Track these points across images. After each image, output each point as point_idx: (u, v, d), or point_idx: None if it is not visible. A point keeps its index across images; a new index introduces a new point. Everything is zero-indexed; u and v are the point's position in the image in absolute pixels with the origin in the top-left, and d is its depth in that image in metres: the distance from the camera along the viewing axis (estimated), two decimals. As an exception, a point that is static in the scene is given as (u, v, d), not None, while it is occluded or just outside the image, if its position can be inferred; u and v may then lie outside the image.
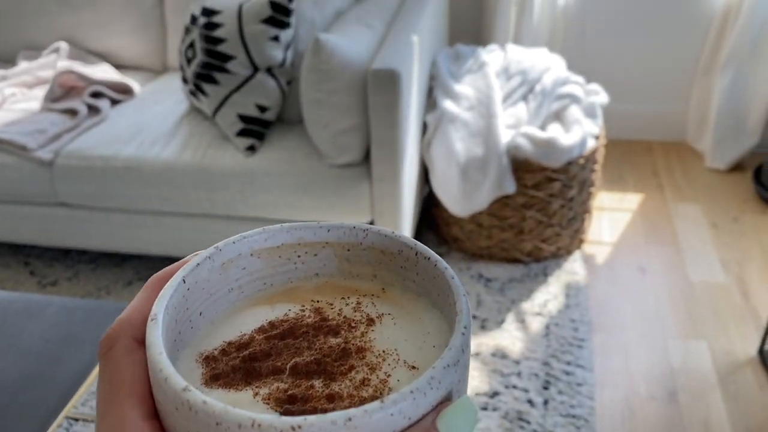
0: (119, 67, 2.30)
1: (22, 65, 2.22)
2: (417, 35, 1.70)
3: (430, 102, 1.95)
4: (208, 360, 0.25)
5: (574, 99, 1.87)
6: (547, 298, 1.86)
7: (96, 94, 2.02)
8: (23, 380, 1.18)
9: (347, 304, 0.28)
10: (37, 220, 1.91)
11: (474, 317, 1.80)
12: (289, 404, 0.23)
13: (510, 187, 1.78)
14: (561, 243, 1.98)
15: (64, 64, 2.15)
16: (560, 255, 2.01)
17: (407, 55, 1.60)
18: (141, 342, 0.25)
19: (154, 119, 1.90)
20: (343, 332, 0.26)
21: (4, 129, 1.86)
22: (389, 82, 1.51)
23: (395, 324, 0.27)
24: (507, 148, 1.77)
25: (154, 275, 0.27)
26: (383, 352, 0.26)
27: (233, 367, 0.25)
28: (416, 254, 0.28)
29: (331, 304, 0.28)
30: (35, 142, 1.82)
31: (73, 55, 2.24)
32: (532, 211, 1.88)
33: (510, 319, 1.79)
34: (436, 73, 1.98)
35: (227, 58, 1.67)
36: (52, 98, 1.97)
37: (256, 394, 0.24)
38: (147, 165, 1.74)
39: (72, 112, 1.94)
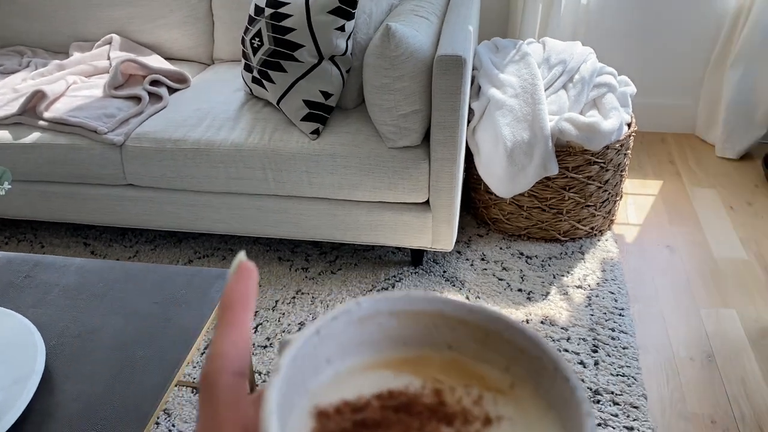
0: (168, 59, 2.40)
1: (76, 56, 2.31)
2: (471, 26, 1.84)
3: (473, 90, 2.09)
4: (321, 416, 0.25)
5: (610, 88, 2.02)
6: (585, 273, 2.00)
7: (154, 83, 2.12)
8: (141, 337, 1.28)
9: (468, 394, 0.27)
10: (103, 200, 2.00)
11: (519, 290, 1.93)
12: None
13: (554, 169, 1.92)
14: (595, 223, 2.13)
15: (118, 54, 2.24)
16: (593, 235, 2.15)
17: (466, 43, 1.73)
18: (241, 374, 0.25)
19: (216, 106, 2.00)
20: (457, 423, 0.25)
21: (73, 113, 1.95)
22: (455, 67, 1.64)
23: None
24: (551, 133, 1.91)
25: (223, 300, 0.27)
26: None
27: (343, 429, 0.25)
28: (555, 369, 0.26)
29: (453, 390, 0.27)
30: (105, 125, 1.91)
31: (124, 46, 2.33)
32: (571, 193, 2.02)
33: (553, 291, 1.93)
34: (477, 64, 2.12)
35: (296, 46, 1.79)
36: (114, 85, 2.07)
37: None
38: (216, 147, 1.85)
39: (135, 98, 2.04)
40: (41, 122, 1.96)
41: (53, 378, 1.19)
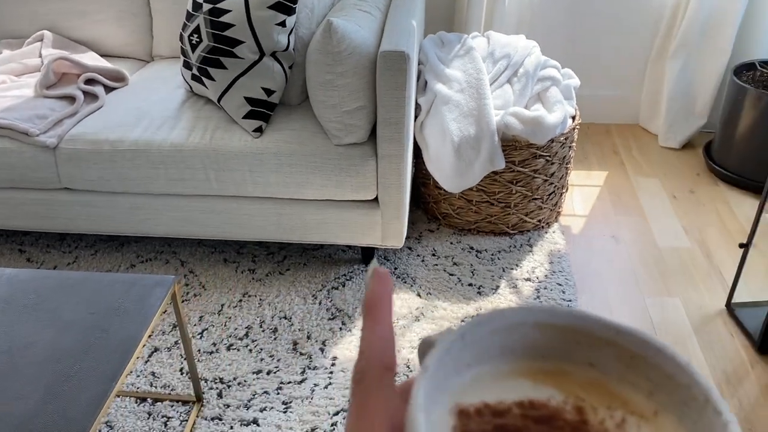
0: (104, 56, 2.31)
1: (5, 53, 2.20)
2: (415, 20, 1.82)
3: (419, 85, 2.07)
4: (462, 415, 0.25)
5: (554, 81, 2.03)
6: (533, 265, 2.01)
7: (89, 81, 2.04)
8: (77, 350, 1.23)
9: (611, 417, 0.26)
10: (37, 205, 1.92)
11: (470, 285, 1.93)
12: None
13: (501, 163, 1.92)
14: (542, 216, 2.14)
15: (50, 51, 2.15)
16: (541, 227, 2.17)
17: (410, 38, 1.71)
18: (389, 368, 0.26)
19: (155, 105, 1.94)
20: None
21: (2, 115, 1.86)
22: (399, 62, 1.62)
23: None
24: (497, 127, 1.91)
25: (367, 301, 0.29)
26: None
27: (483, 430, 0.25)
28: (706, 401, 0.25)
29: (595, 410, 0.26)
30: (36, 127, 1.83)
31: (57, 43, 2.24)
32: (518, 186, 2.03)
33: (503, 284, 1.93)
34: (423, 58, 2.10)
35: (236, 42, 1.74)
36: (46, 84, 1.98)
37: None
38: (155, 147, 1.79)
39: (69, 98, 1.95)
40: (-33, 124, 1.86)
41: (-19, 397, 1.13)
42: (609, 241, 2.15)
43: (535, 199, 2.08)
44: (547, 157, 2.01)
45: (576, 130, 2.08)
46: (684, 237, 2.15)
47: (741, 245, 1.76)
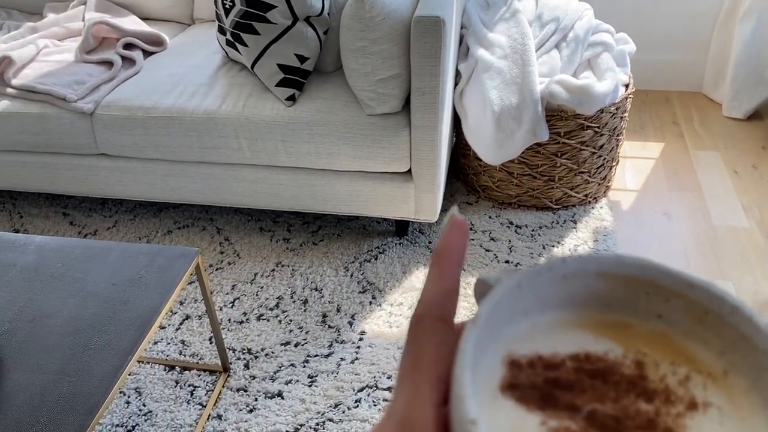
0: (145, 19, 2.30)
1: (50, 17, 2.21)
2: (455, -17, 1.72)
3: (461, 51, 1.98)
4: (513, 365, 0.25)
5: (606, 47, 1.90)
6: (577, 243, 1.92)
7: (128, 46, 2.03)
8: (97, 321, 1.23)
9: (675, 373, 0.24)
10: (77, 170, 1.94)
11: (507, 262, 1.86)
12: None
13: (544, 135, 1.82)
14: (589, 190, 2.03)
15: (93, 15, 2.15)
16: (587, 202, 2.06)
17: (448, 2, 1.62)
18: (445, 320, 0.26)
19: (190, 70, 1.91)
20: (657, 402, 0.23)
21: (42, 80, 1.87)
22: (433, 28, 1.53)
23: (720, 424, 0.23)
24: (542, 96, 1.81)
25: (437, 249, 0.28)
26: None
27: (533, 383, 0.24)
28: None
29: (657, 365, 0.25)
30: (75, 93, 1.84)
31: (100, 7, 2.23)
32: (563, 159, 1.92)
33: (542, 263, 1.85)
34: (466, 22, 2.00)
35: (268, 7, 1.69)
36: (86, 49, 1.98)
37: (544, 423, 0.23)
38: (187, 114, 1.77)
39: (107, 63, 1.95)
40: (9, 90, 1.89)
41: (2, 366, 1.15)
42: (661, 218, 2.03)
43: (582, 172, 1.98)
44: (596, 128, 1.89)
45: (629, 100, 1.95)
46: (742, 216, 2.01)
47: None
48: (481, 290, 0.28)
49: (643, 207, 2.07)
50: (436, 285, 0.27)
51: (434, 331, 0.25)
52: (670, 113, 2.56)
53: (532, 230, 1.97)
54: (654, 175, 2.22)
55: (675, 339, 0.26)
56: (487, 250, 1.90)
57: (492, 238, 1.95)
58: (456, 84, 1.94)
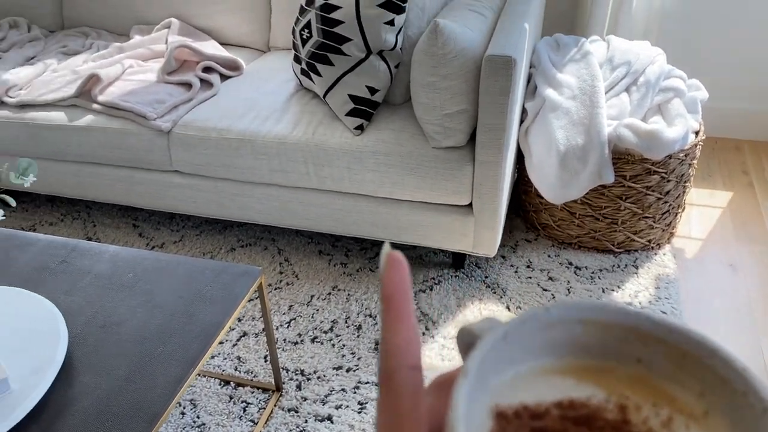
0: (224, 44, 2.40)
1: (136, 39, 2.34)
2: (528, 23, 1.74)
3: (529, 89, 1.99)
4: (500, 417, 0.25)
5: (677, 93, 1.88)
6: (637, 289, 1.89)
7: (207, 69, 2.12)
8: (162, 332, 1.28)
9: (657, 415, 0.25)
10: (151, 185, 2.03)
11: (564, 302, 1.84)
12: None
13: (610, 177, 1.81)
14: (652, 236, 2.00)
15: (175, 38, 2.26)
16: (650, 248, 2.03)
17: (520, 42, 1.64)
18: (416, 366, 0.26)
19: (264, 96, 1.99)
20: None
21: (125, 98, 1.98)
22: (504, 68, 1.56)
23: None
24: (609, 139, 1.80)
25: (384, 294, 0.27)
26: None
27: None
28: (764, 411, 0.23)
29: (639, 408, 0.25)
30: (154, 111, 1.93)
31: (183, 31, 2.35)
32: (627, 203, 1.90)
33: (601, 306, 1.82)
34: (536, 62, 2.02)
35: (344, 40, 1.74)
36: (168, 71, 2.08)
37: None
38: (260, 138, 1.83)
39: (187, 85, 2.05)
40: (95, 105, 2.00)
41: (73, 368, 1.21)
42: (726, 269, 1.97)
43: (646, 217, 1.95)
44: (663, 174, 1.87)
45: (698, 147, 1.92)
46: (815, 273, 1.94)
47: None
48: (465, 340, 0.28)
49: (707, 256, 2.03)
50: (396, 333, 0.26)
51: (409, 382, 0.25)
52: (740, 162, 2.50)
53: (592, 272, 1.95)
54: (720, 224, 2.17)
55: (655, 381, 0.26)
56: (545, 290, 1.89)
57: (550, 278, 1.93)
58: (521, 121, 1.95)
